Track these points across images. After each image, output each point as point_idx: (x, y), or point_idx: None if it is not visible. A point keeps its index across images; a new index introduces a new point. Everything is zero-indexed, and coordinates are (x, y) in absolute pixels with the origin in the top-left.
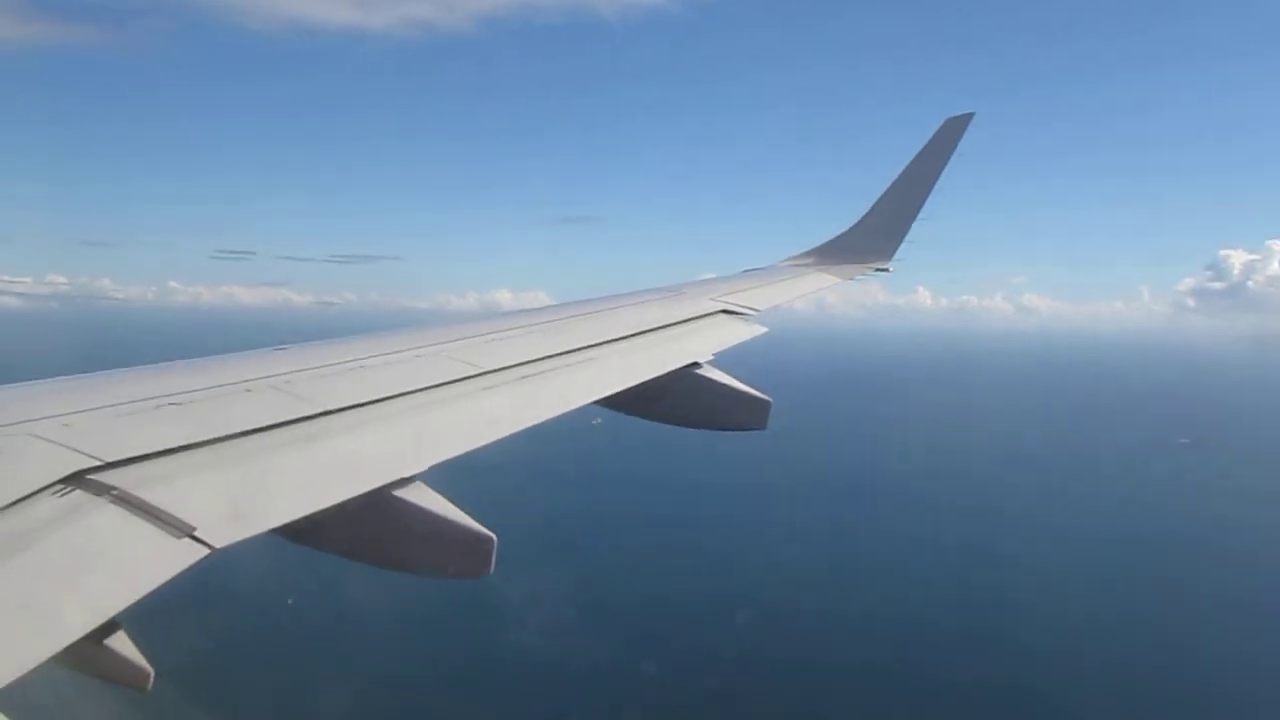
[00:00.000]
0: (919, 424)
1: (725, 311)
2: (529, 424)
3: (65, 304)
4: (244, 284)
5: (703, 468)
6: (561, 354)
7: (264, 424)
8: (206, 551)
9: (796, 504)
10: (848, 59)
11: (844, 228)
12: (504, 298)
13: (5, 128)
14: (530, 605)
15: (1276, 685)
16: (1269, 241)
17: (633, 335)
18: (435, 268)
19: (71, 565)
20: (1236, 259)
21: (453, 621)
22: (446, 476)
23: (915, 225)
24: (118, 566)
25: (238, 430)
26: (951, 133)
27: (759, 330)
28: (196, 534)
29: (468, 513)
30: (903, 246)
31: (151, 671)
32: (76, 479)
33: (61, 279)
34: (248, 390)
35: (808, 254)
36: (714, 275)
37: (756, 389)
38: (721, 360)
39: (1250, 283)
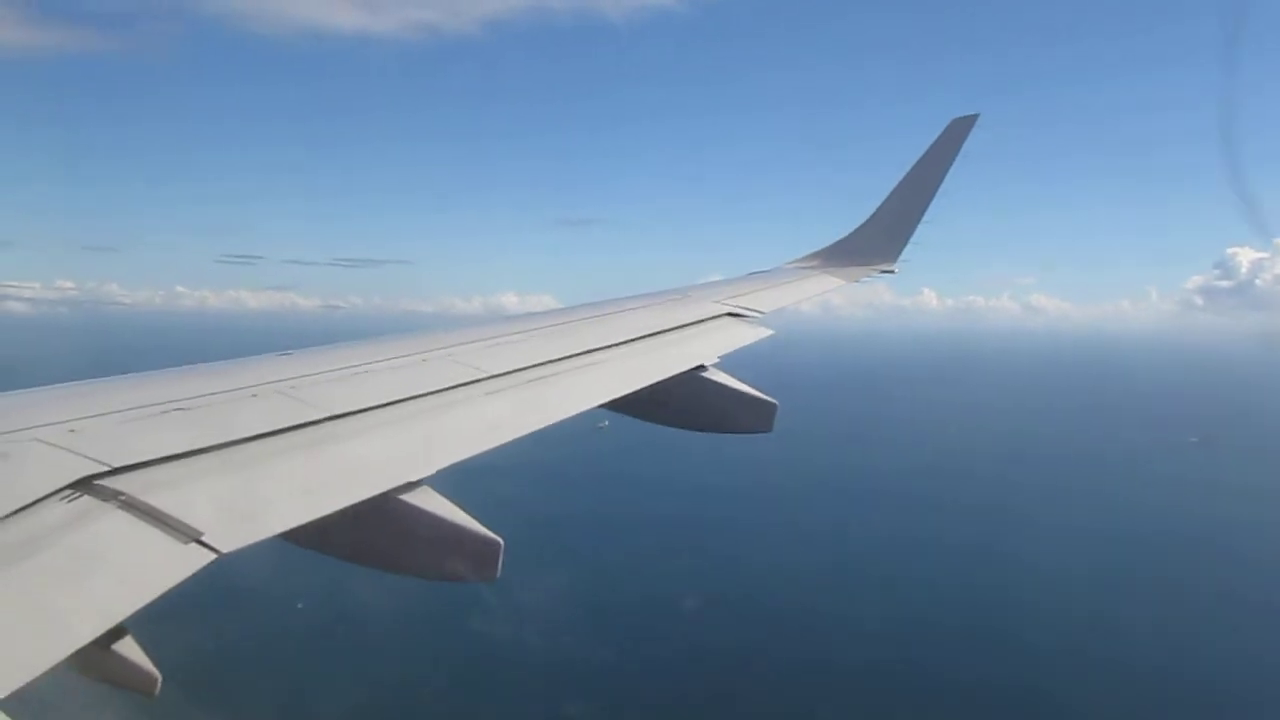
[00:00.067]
0: (925, 425)
1: (730, 314)
2: (535, 428)
3: (73, 309)
4: (250, 288)
5: (709, 470)
6: (567, 358)
7: (270, 429)
8: (214, 556)
9: (801, 505)
10: (853, 60)
11: (849, 229)
12: (510, 301)
13: (13, 133)
14: (535, 606)
15: None
16: (1277, 240)
17: (638, 339)
18: (441, 271)
19: (79, 570)
20: (1244, 257)
21: (458, 623)
22: (453, 480)
23: (921, 227)
24: (125, 571)
25: (244, 435)
26: (957, 134)
27: (764, 333)
28: (204, 539)
29: (474, 517)
30: (908, 248)
31: (159, 676)
32: (84, 484)
33: (69, 284)
34: (254, 395)
35: (813, 256)
36: (719, 277)
37: (762, 391)
38: (727, 363)
39: (1258, 281)
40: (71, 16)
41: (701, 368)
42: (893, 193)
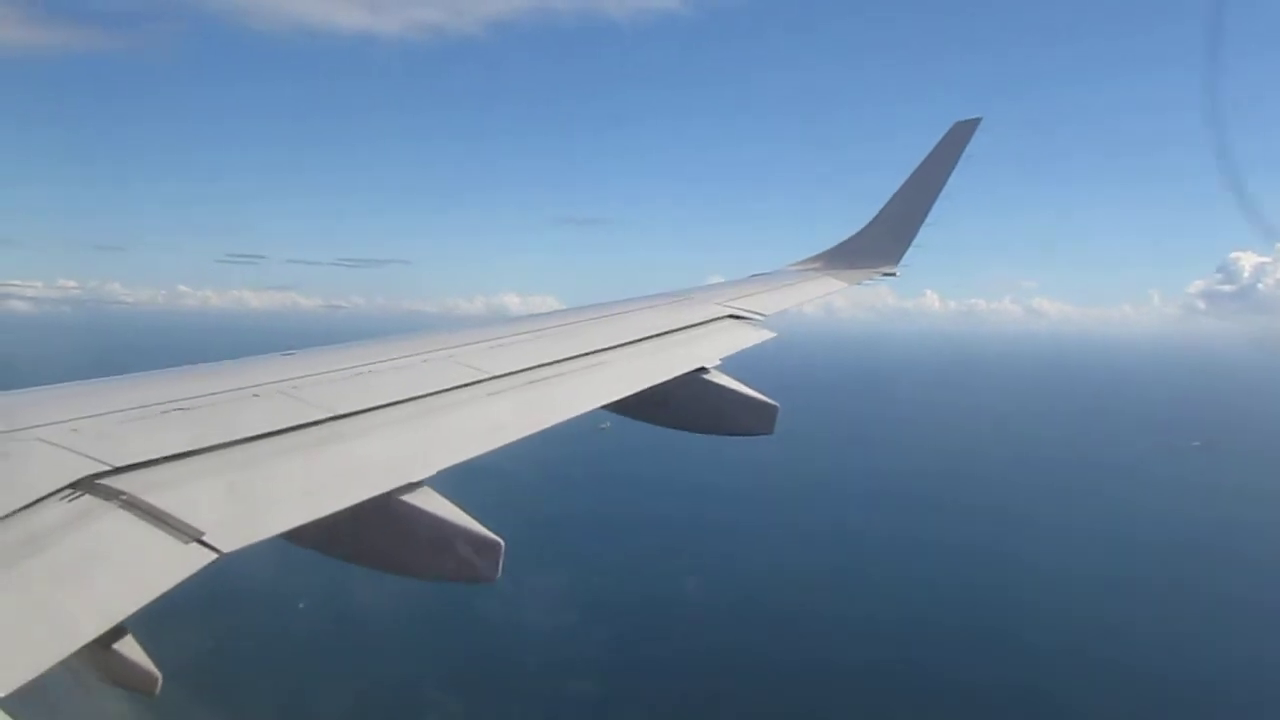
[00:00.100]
0: (927, 427)
1: (732, 316)
2: (536, 429)
3: (76, 308)
4: (252, 288)
5: (710, 471)
6: (569, 359)
7: (272, 429)
8: (215, 556)
9: (802, 507)
10: (857, 61)
11: (852, 231)
12: (512, 301)
13: (16, 132)
14: (536, 606)
15: None
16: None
17: (640, 340)
18: (443, 271)
19: (80, 570)
20: (1247, 261)
21: (458, 623)
22: (454, 481)
23: (923, 229)
24: (126, 571)
25: (246, 435)
26: (959, 137)
27: (766, 335)
28: (205, 539)
29: (475, 517)
30: (910, 250)
31: (159, 676)
32: (85, 484)
33: (72, 283)
34: (255, 395)
35: (815, 258)
36: (722, 279)
37: (763, 394)
38: (729, 365)
39: (1261, 285)
40: (75, 16)
41: (703, 369)
42: (895, 196)
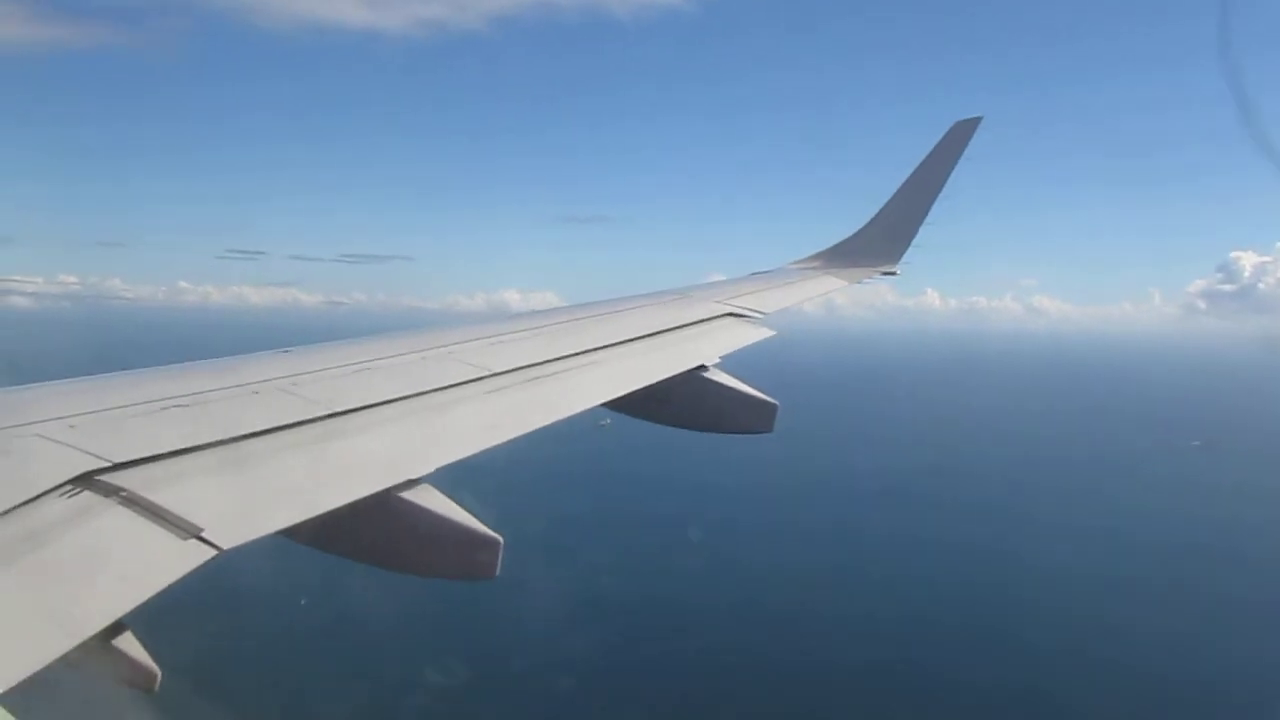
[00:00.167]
0: (928, 425)
1: (732, 314)
2: (536, 426)
3: (76, 303)
4: (253, 284)
5: (710, 469)
6: (568, 356)
7: (271, 426)
8: (214, 552)
9: (802, 505)
10: (859, 60)
11: (854, 229)
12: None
13: (17, 128)
14: (535, 605)
15: None
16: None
17: (640, 338)
18: (444, 268)
19: (80, 566)
20: (1247, 261)
21: (456, 620)
22: (454, 478)
23: (923, 228)
24: (126, 567)
25: (245, 432)
26: (959, 136)
27: (766, 333)
28: (204, 535)
29: (474, 515)
30: (910, 249)
31: (159, 672)
32: (85, 480)
33: (72, 278)
34: (255, 392)
35: (815, 257)
36: (722, 277)
37: (763, 392)
38: (729, 363)
39: (1261, 285)
40: (79, 12)
41: (703, 368)
42: (895, 195)
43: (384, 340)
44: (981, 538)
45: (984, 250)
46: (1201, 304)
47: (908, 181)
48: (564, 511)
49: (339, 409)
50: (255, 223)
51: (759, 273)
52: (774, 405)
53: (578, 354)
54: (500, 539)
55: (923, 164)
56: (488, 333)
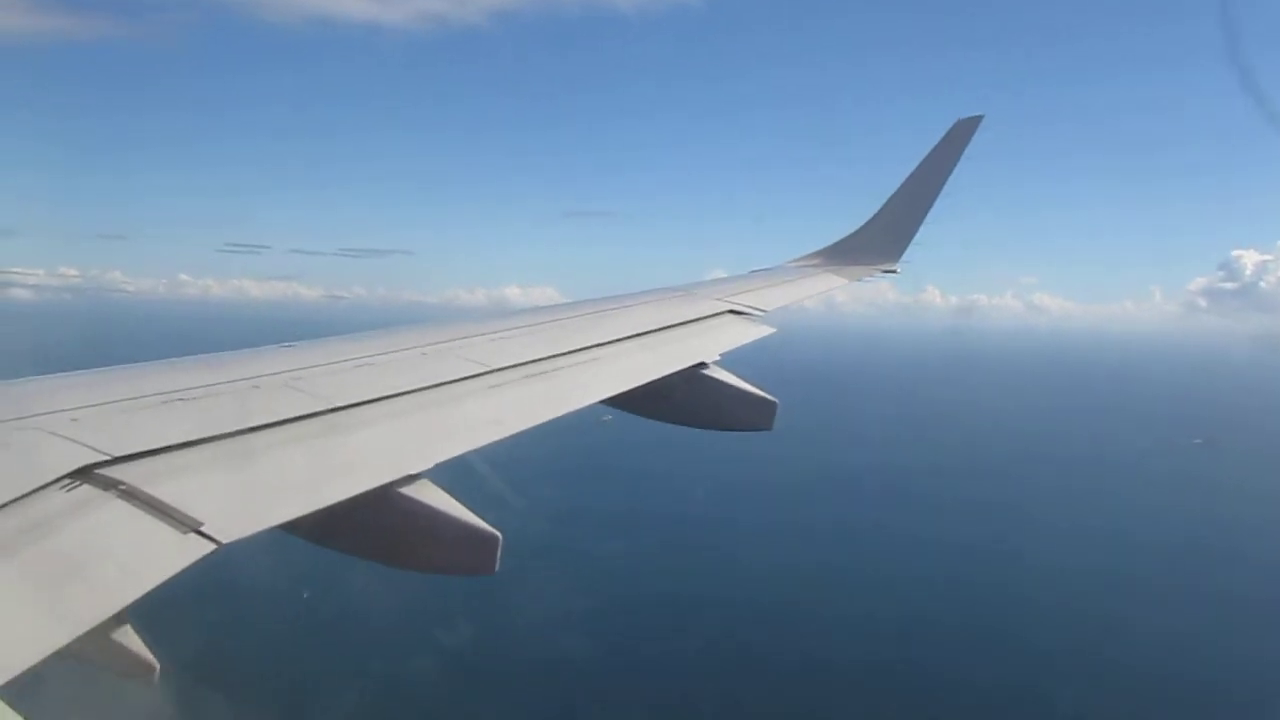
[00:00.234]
0: (928, 423)
1: (732, 312)
2: (536, 422)
3: (77, 296)
4: (254, 277)
5: (710, 466)
6: (569, 353)
7: (271, 420)
8: (213, 547)
9: (803, 503)
10: (863, 57)
11: (855, 226)
12: (513, 293)
13: (19, 120)
14: (534, 601)
15: None
16: None
17: (640, 335)
18: (445, 262)
19: (80, 559)
20: (1249, 259)
21: (457, 617)
22: (453, 473)
23: (924, 226)
24: (125, 561)
25: (245, 426)
26: (961, 135)
27: (766, 331)
28: (203, 529)
29: (473, 510)
30: (911, 247)
31: (157, 664)
32: (85, 474)
33: (73, 271)
34: (255, 387)
35: (815, 255)
36: (724, 273)
37: (763, 389)
38: (729, 360)
39: (1262, 283)
40: (82, 4)
41: (703, 365)
42: (896, 193)
43: (385, 336)
44: (981, 536)
45: (985, 248)
46: (1203, 302)
47: (909, 180)
48: (564, 508)
49: (339, 404)
50: (256, 216)
51: (759, 270)
52: (774, 403)
53: (578, 350)
54: (499, 535)
55: (924, 162)
56: (488, 329)
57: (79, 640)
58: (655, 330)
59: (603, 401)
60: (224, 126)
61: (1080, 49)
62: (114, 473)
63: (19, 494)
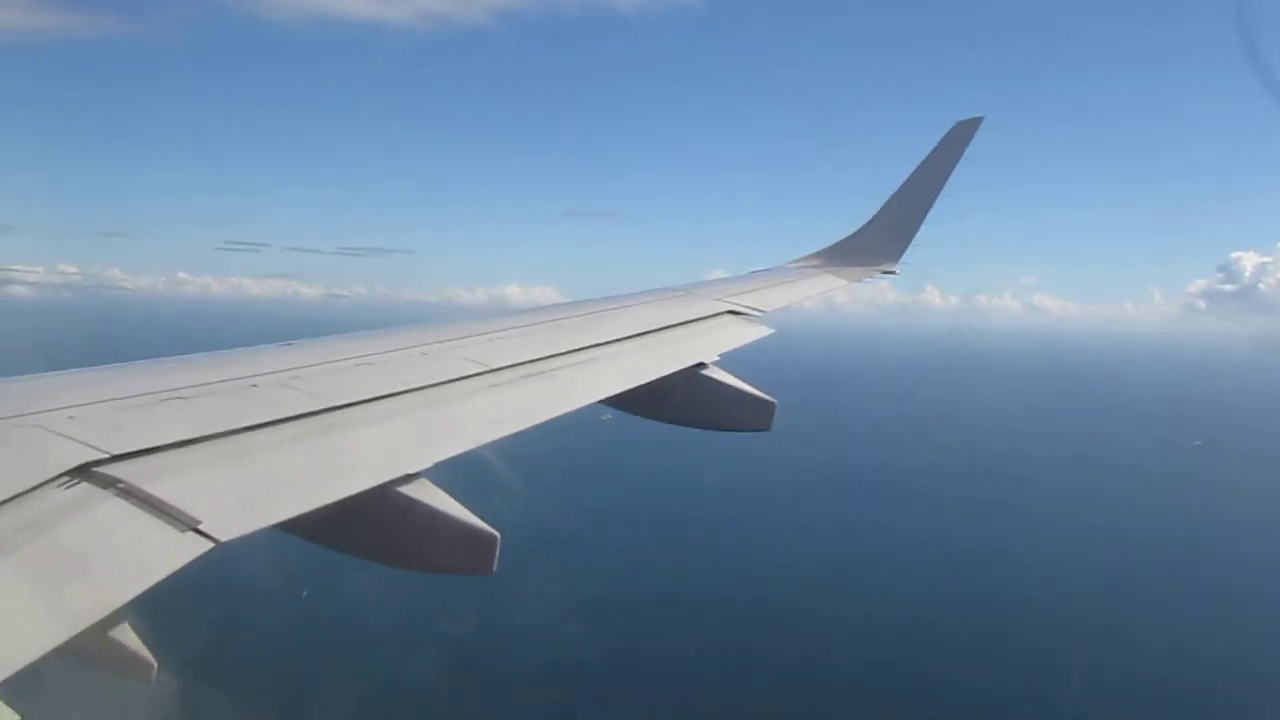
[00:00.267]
0: (928, 423)
1: (732, 312)
2: (535, 422)
3: (76, 293)
4: (253, 276)
5: (709, 466)
6: (568, 353)
7: (270, 419)
8: (211, 545)
9: (802, 503)
10: (864, 57)
11: (856, 226)
12: (513, 293)
13: (19, 116)
14: (533, 601)
15: None
16: None
17: (639, 335)
18: (445, 261)
19: (77, 557)
20: (1248, 261)
21: (455, 616)
22: (452, 473)
23: (924, 227)
24: (123, 559)
25: (244, 425)
26: (960, 136)
27: (765, 331)
28: (201, 528)
29: (472, 510)
30: (910, 248)
31: (155, 663)
32: (83, 471)
33: (73, 268)
34: (254, 385)
35: (815, 255)
36: (725, 273)
37: (762, 390)
38: (728, 361)
39: (1262, 285)
40: (83, 1)
41: (702, 365)
42: (895, 194)
43: (384, 335)
44: (981, 537)
45: (985, 248)
46: (1202, 304)
47: (908, 181)
48: (563, 507)
49: (338, 403)
50: (256, 214)
51: (759, 270)
52: (772, 403)
53: (577, 350)
54: (498, 535)
55: (923, 163)
56: (487, 328)
57: (77, 638)
58: (654, 330)
59: (602, 401)
60: (225, 124)
61: (1082, 50)
62: (112, 470)
63: (17, 491)
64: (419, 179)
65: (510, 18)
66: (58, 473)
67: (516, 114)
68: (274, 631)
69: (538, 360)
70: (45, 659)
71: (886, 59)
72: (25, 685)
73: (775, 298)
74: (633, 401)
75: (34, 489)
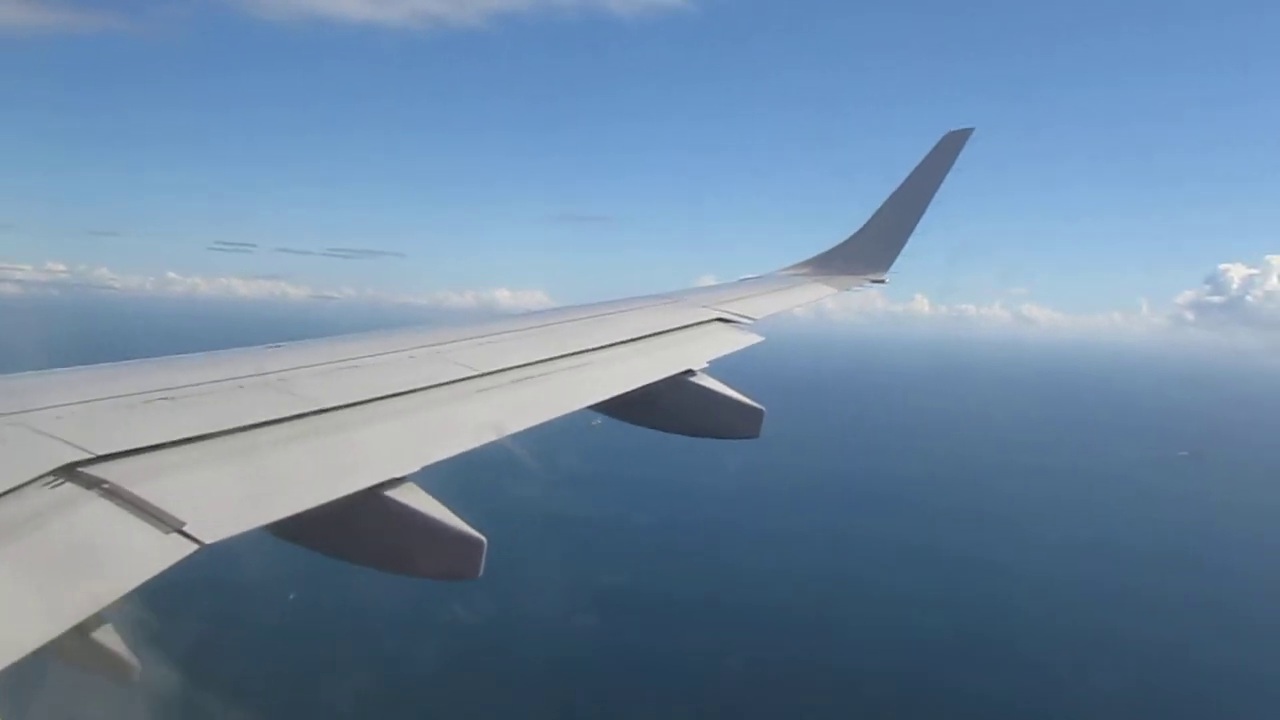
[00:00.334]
0: (916, 432)
1: (721, 320)
2: (523, 427)
3: (64, 292)
4: (242, 276)
5: (700, 472)
6: (558, 358)
7: (256, 421)
8: (196, 547)
9: (791, 511)
10: (857, 65)
11: (848, 234)
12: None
13: (11, 114)
14: (521, 606)
15: (1274, 699)
16: (1268, 256)
17: (629, 341)
18: (436, 264)
19: (61, 557)
20: (1235, 273)
21: (440, 622)
22: (440, 477)
23: (913, 236)
24: (107, 560)
25: (230, 427)
26: (950, 146)
27: (754, 339)
28: (186, 529)
29: (459, 514)
30: (900, 257)
31: (137, 664)
32: (68, 471)
33: (61, 267)
34: (241, 387)
35: (805, 264)
36: (714, 279)
37: (750, 397)
38: (718, 368)
39: (1249, 297)
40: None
41: (690, 372)
42: (886, 203)
43: (373, 338)
44: (970, 545)
45: (974, 258)
46: (1190, 315)
47: (898, 190)
48: (551, 511)
49: (326, 406)
50: (247, 215)
51: (749, 278)
52: (760, 410)
53: (567, 355)
54: (484, 539)
55: (914, 173)
56: (477, 333)
57: (59, 639)
58: (644, 337)
59: (591, 407)
60: (218, 124)
61: (1069, 58)
62: (97, 471)
63: (1, 491)
64: (411, 181)
65: (505, 20)
66: (42, 472)
67: (509, 117)
68: (260, 633)
69: (527, 365)
70: (28, 659)
71: (879, 66)
72: (11, 686)
73: (765, 305)
74: (622, 407)
75: (18, 488)
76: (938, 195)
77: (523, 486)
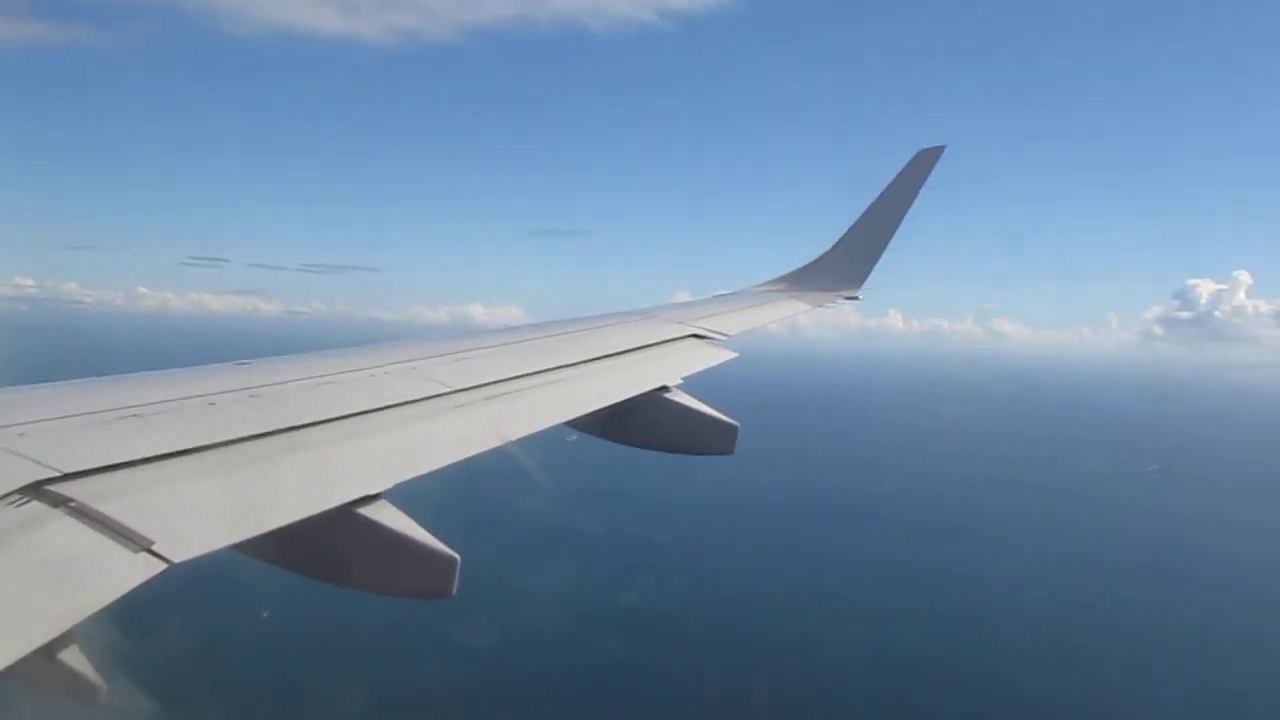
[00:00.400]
0: (889, 447)
1: (695, 336)
2: (497, 443)
3: (32, 307)
4: (214, 291)
5: (674, 488)
6: (531, 374)
7: (228, 438)
8: (165, 566)
9: (766, 526)
10: (830, 80)
11: (823, 249)
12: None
13: None
14: (494, 623)
15: (1245, 714)
16: (1236, 272)
17: (603, 358)
18: (409, 279)
19: (26, 577)
20: (1204, 289)
21: (414, 639)
22: (412, 495)
23: (886, 252)
24: (73, 579)
25: (199, 444)
26: (923, 164)
27: (729, 355)
28: (155, 548)
29: (432, 532)
30: (873, 274)
31: (103, 685)
32: (34, 490)
33: (29, 281)
34: (211, 404)
35: (779, 280)
36: (688, 295)
37: (725, 413)
38: (692, 384)
39: (1217, 313)
40: (46, 12)
41: (665, 388)
42: (858, 221)
43: (345, 354)
44: (943, 560)
45: (946, 273)
46: (1159, 330)
47: (871, 208)
48: (525, 528)
49: (297, 423)
50: (219, 229)
51: (723, 294)
52: (735, 426)
53: (540, 372)
54: (457, 557)
55: (886, 190)
56: (451, 349)
57: (23, 661)
58: (618, 353)
59: (566, 423)
60: (191, 139)
61: (1039, 74)
62: (64, 489)
63: None
64: (385, 196)
65: (480, 35)
66: (7, 491)
67: (484, 132)
68: (238, 651)
69: (501, 381)
70: None
71: (852, 82)
72: None
73: (739, 321)
74: (597, 423)
75: None
76: (911, 211)
77: (494, 503)
